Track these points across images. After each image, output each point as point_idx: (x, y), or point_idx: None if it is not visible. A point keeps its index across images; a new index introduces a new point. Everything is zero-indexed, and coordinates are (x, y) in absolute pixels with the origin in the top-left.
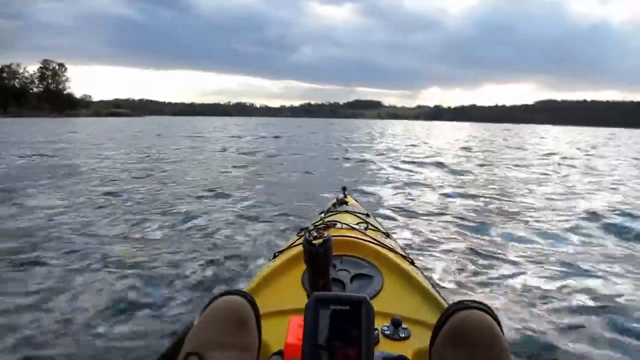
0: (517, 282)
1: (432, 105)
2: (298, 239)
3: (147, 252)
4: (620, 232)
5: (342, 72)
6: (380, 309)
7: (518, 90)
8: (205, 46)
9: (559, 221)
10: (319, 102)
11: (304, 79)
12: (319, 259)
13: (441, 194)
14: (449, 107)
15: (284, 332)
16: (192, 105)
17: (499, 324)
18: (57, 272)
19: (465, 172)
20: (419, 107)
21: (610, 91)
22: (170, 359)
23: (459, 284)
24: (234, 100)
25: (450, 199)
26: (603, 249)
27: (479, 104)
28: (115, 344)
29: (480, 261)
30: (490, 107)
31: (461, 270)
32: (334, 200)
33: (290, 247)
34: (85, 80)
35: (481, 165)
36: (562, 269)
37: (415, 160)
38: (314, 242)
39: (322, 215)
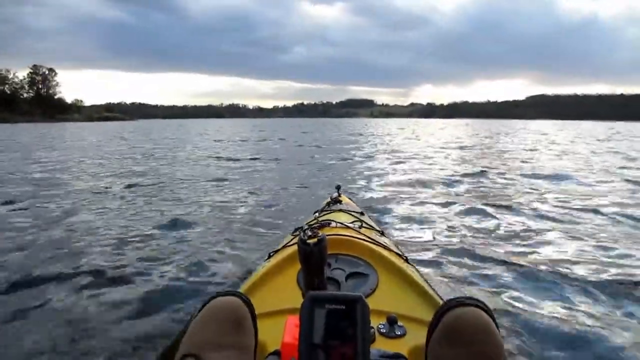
0: (512, 278)
1: (425, 102)
2: (293, 239)
3: (139, 254)
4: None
5: (334, 71)
6: (375, 307)
7: (509, 85)
8: (197, 48)
9: (557, 219)
10: (312, 102)
11: (296, 79)
12: (313, 258)
13: (438, 194)
14: (442, 105)
15: (281, 331)
16: (184, 107)
17: (494, 320)
18: (49, 274)
19: (463, 170)
20: (412, 105)
21: (600, 85)
22: None
23: (454, 281)
24: (226, 102)
25: (445, 197)
26: (602, 248)
27: (471, 100)
28: (111, 346)
29: (476, 258)
30: (482, 104)
31: (456, 267)
32: (328, 199)
33: (285, 246)
34: (77, 84)
35: (482, 165)
36: (560, 266)
37: (411, 158)
38: (308, 241)
39: (317, 214)
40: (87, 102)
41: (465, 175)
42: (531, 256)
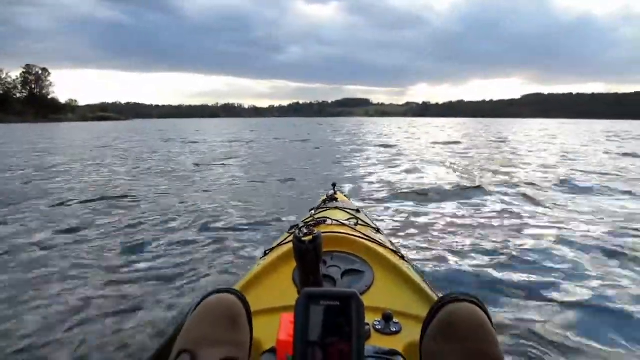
0: (508, 274)
1: (420, 101)
2: (288, 236)
3: (135, 253)
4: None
5: (329, 70)
6: (371, 304)
7: (505, 84)
8: (192, 48)
9: (555, 216)
10: (307, 102)
11: (291, 79)
12: (309, 255)
13: (433, 191)
14: (437, 104)
15: (276, 329)
16: (179, 107)
17: (488, 315)
18: (43, 274)
19: (460, 169)
20: (408, 104)
21: (595, 83)
22: (162, 358)
23: (450, 277)
24: (222, 102)
25: (440, 195)
26: (601, 247)
27: (466, 99)
28: (107, 343)
29: (471, 254)
30: (478, 103)
31: (451, 263)
32: (324, 197)
33: (280, 244)
34: (71, 84)
35: (481, 164)
36: (556, 263)
37: (406, 156)
38: (304, 239)
39: (312, 212)
40: (82, 102)
41: (463, 174)
42: (528, 253)
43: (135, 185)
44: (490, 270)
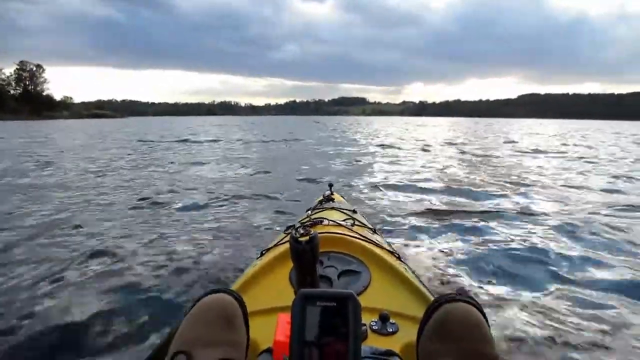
0: (504, 274)
1: (417, 100)
2: (285, 237)
3: (131, 253)
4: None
5: (326, 69)
6: (368, 305)
7: (501, 84)
8: (188, 45)
9: (552, 215)
10: (304, 100)
11: (288, 77)
12: (305, 256)
13: (429, 190)
14: (434, 103)
15: (273, 329)
16: (175, 105)
17: (484, 315)
18: (39, 274)
19: (458, 169)
20: (404, 102)
21: (591, 84)
22: (158, 359)
23: (446, 278)
24: (218, 99)
25: (437, 194)
26: (601, 246)
27: (463, 98)
28: (103, 344)
29: (467, 255)
30: (474, 102)
31: (448, 264)
32: (321, 197)
33: (277, 244)
34: (68, 81)
35: (476, 163)
36: (554, 262)
37: (403, 156)
38: (300, 239)
39: (309, 212)
40: (78, 100)
41: (460, 173)
42: (524, 253)
43: (127, 184)
44: (486, 270)
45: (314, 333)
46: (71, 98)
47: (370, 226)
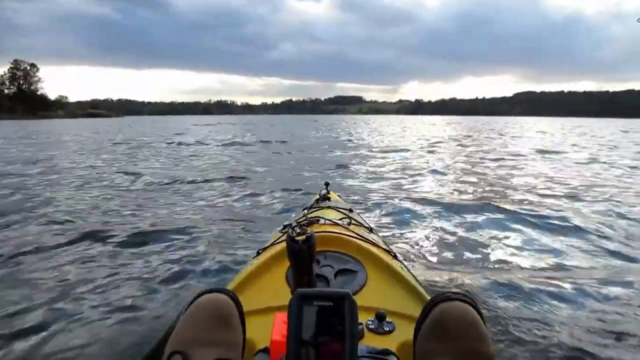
0: (500, 273)
1: (413, 99)
2: (281, 236)
3: (128, 253)
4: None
5: (322, 68)
6: (364, 304)
7: (497, 82)
8: (184, 44)
9: (550, 216)
10: (300, 99)
11: (284, 76)
12: (302, 255)
13: (426, 189)
14: (430, 101)
15: (269, 329)
16: (171, 104)
17: (480, 314)
18: (36, 273)
19: (454, 168)
20: (400, 101)
21: (586, 82)
22: (154, 359)
23: (443, 277)
24: (214, 99)
25: (434, 194)
26: (599, 246)
27: (459, 97)
28: (99, 344)
29: (464, 254)
30: (471, 100)
31: (444, 263)
32: (317, 196)
33: (273, 244)
34: (62, 81)
35: (473, 161)
36: (551, 261)
37: (399, 155)
38: (297, 238)
39: (305, 211)
40: (74, 99)
41: (457, 173)
42: (521, 253)
43: (123, 185)
44: (483, 269)
45: (311, 332)
46: (66, 97)
47: (366, 225)
